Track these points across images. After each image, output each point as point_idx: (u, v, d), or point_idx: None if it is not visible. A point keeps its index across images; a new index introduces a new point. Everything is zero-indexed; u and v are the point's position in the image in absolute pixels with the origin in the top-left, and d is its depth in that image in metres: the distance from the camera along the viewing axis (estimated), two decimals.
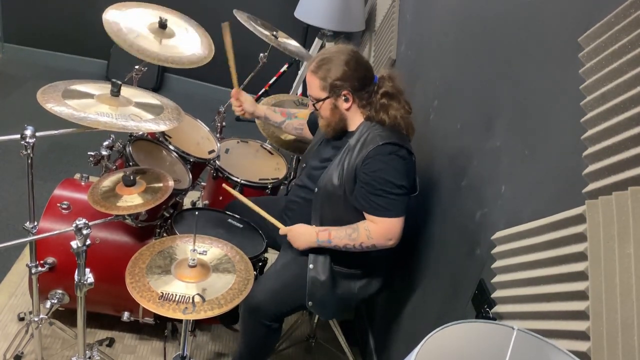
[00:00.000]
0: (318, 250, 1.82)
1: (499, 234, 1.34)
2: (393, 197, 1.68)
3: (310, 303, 1.82)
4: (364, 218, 1.75)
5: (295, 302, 1.84)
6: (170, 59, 2.09)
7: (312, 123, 2.16)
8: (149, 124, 1.72)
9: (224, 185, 2.13)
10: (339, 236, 1.76)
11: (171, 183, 1.86)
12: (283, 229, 1.88)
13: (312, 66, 1.79)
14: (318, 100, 1.79)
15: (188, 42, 2.25)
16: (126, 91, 1.83)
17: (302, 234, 1.83)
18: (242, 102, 2.24)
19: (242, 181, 2.29)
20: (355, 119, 1.81)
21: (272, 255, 2.06)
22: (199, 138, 2.38)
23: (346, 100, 1.77)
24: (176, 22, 2.30)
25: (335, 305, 1.88)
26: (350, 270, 1.84)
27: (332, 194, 1.78)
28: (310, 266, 1.81)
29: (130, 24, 2.10)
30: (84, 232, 1.40)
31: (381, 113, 1.73)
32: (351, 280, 1.85)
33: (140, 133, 2.17)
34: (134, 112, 1.74)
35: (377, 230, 1.71)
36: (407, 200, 1.72)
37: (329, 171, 1.80)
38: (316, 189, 1.84)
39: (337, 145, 1.85)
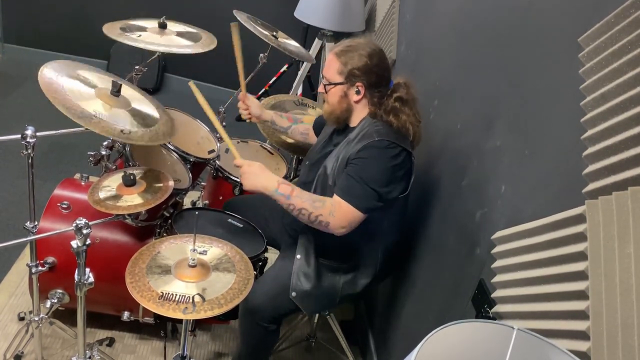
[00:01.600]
0: (307, 242, 1.81)
1: (499, 234, 1.34)
2: (368, 190, 1.65)
3: (294, 294, 1.80)
4: None
5: (291, 305, 1.84)
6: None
7: (318, 125, 2.16)
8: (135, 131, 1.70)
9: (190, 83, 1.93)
10: (302, 197, 1.69)
11: (171, 183, 1.86)
12: (238, 161, 1.79)
13: (337, 49, 1.79)
14: (330, 83, 1.79)
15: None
16: (126, 91, 1.83)
17: (260, 175, 1.72)
18: (249, 105, 2.22)
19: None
20: (360, 115, 1.80)
21: (272, 255, 2.06)
22: (199, 138, 2.38)
23: (357, 92, 1.76)
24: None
25: (319, 299, 1.86)
26: (337, 263, 1.84)
27: (324, 182, 1.78)
28: (298, 256, 1.81)
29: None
30: (84, 231, 1.40)
31: (391, 115, 1.72)
32: (336, 274, 1.84)
33: None
34: (126, 118, 1.73)
35: (341, 213, 1.66)
36: (377, 203, 1.67)
37: (325, 161, 1.81)
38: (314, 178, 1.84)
39: (339, 141, 1.86)
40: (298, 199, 1.68)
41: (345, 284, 1.85)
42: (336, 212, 1.66)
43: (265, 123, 2.31)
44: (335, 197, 1.68)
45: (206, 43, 2.27)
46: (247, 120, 2.27)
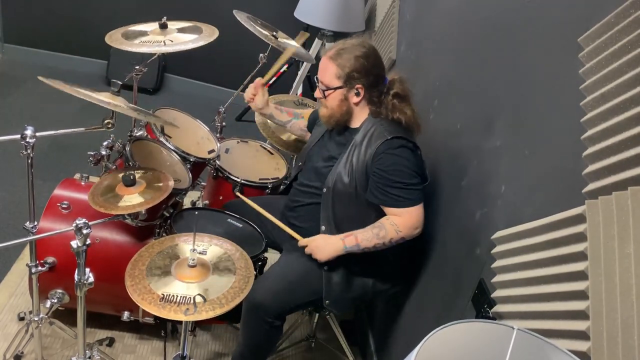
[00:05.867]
0: None
1: (499, 234, 1.34)
2: (410, 186, 1.70)
3: (327, 302, 1.83)
4: (376, 213, 1.75)
5: (298, 300, 1.84)
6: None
7: (311, 121, 2.15)
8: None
9: (237, 194, 2.15)
10: (367, 238, 1.73)
11: (171, 183, 1.86)
12: (302, 241, 1.83)
13: (331, 52, 1.78)
14: (329, 88, 1.78)
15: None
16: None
17: (327, 244, 1.78)
18: (258, 94, 2.18)
19: (242, 181, 2.29)
20: (361, 116, 1.81)
21: (272, 255, 2.06)
22: (199, 138, 2.38)
23: (357, 94, 1.76)
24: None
25: (351, 301, 1.91)
26: (364, 267, 1.84)
27: (343, 193, 1.78)
28: (325, 267, 1.81)
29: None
30: (84, 231, 1.40)
31: (397, 113, 1.74)
32: (365, 277, 1.86)
33: (140, 133, 2.17)
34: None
35: (403, 222, 1.71)
36: (421, 186, 1.74)
37: (337, 169, 1.80)
38: (324, 189, 1.83)
39: (341, 142, 1.85)
40: (366, 242, 1.74)
41: (375, 283, 1.87)
42: (400, 225, 1.71)
43: (264, 116, 2.28)
44: (391, 209, 1.72)
45: (208, 33, 2.19)
46: (247, 102, 2.22)
